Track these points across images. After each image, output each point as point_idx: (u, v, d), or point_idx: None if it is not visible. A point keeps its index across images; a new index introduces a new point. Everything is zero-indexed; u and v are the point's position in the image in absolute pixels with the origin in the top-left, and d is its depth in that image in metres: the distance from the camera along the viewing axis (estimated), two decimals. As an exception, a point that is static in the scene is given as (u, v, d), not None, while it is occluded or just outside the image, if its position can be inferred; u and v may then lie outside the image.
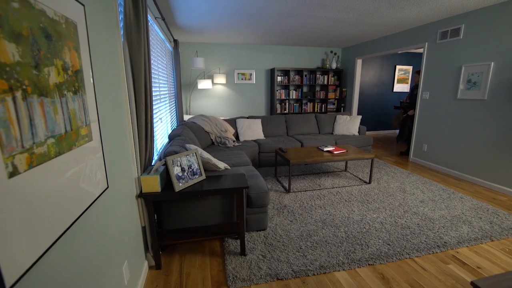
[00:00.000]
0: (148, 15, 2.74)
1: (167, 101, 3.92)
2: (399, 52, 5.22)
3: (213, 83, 6.42)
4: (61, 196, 0.91)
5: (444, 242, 2.39)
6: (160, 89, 3.28)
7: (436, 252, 2.28)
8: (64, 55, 0.94)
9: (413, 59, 7.78)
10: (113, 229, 1.43)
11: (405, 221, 2.76)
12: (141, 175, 1.96)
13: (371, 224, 2.70)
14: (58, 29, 0.90)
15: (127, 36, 1.73)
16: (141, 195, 1.95)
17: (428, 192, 3.51)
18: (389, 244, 2.37)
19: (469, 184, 3.84)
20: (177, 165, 2.05)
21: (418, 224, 2.71)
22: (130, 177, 1.82)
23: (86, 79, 1.12)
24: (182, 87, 6.29)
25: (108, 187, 1.32)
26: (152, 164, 2.37)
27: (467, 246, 2.36)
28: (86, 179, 1.09)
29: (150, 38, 2.85)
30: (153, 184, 1.95)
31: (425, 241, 2.42)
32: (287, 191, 3.55)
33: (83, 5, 1.10)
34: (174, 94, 4.88)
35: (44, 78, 0.81)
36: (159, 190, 1.97)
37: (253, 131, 4.91)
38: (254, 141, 4.78)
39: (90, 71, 1.16)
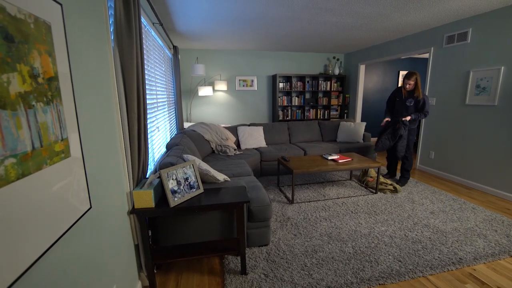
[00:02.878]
0: (145, 21, 2.63)
1: (166, 109, 3.80)
2: (403, 57, 5.09)
3: (214, 90, 6.32)
4: (30, 223, 0.77)
5: (459, 258, 2.22)
6: (158, 96, 3.16)
7: (451, 270, 2.11)
8: (32, 60, 0.81)
9: (417, 65, 7.66)
10: (99, 253, 1.30)
11: (416, 235, 2.60)
12: (133, 189, 1.82)
13: (380, 238, 2.54)
14: (23, 29, 0.77)
15: (117, 40, 1.61)
16: (133, 211, 1.81)
17: (438, 202, 3.35)
18: (400, 261, 2.21)
19: (480, 193, 3.67)
20: (173, 178, 1.91)
21: (429, 238, 2.54)
22: (121, 192, 1.68)
23: (63, 88, 0.99)
24: (183, 94, 6.19)
25: (91, 207, 1.18)
26: (147, 176, 2.24)
27: (484, 263, 2.20)
28: (61, 203, 0.95)
29: (147, 44, 2.74)
30: (146, 199, 1.81)
31: (438, 257, 2.25)
32: (291, 202, 3.39)
33: (60, 4, 0.98)
34: (173, 101, 4.77)
35: (2, 87, 0.69)
36: (153, 206, 1.83)
37: (254, 139, 4.78)
38: (256, 149, 4.64)
39: (69, 78, 1.04)
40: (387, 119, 3.80)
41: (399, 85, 7.50)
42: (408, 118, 3.68)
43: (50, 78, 0.91)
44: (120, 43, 1.63)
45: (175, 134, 3.70)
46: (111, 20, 1.70)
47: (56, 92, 0.94)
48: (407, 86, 3.70)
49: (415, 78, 3.63)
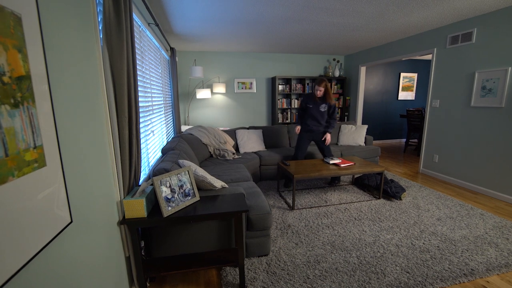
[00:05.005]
0: (139, 20, 2.53)
1: (162, 112, 3.69)
2: (404, 59, 4.99)
3: (212, 93, 6.21)
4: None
5: (471, 269, 2.10)
6: (153, 99, 3.05)
7: (463, 282, 1.99)
8: (-6, 56, 0.70)
9: (418, 66, 7.58)
10: (84, 267, 1.17)
11: (423, 243, 2.48)
12: (124, 198, 1.70)
13: (385, 247, 2.42)
14: (-18, 19, 0.66)
15: (106, 39, 1.50)
16: (124, 221, 1.69)
17: (444, 208, 3.23)
18: (408, 272, 2.09)
19: (488, 198, 3.55)
20: (166, 186, 1.79)
21: (438, 246, 2.42)
22: (110, 202, 1.56)
23: (38, 88, 0.88)
24: (180, 97, 6.08)
25: (71, 221, 1.07)
26: (140, 183, 2.12)
27: (497, 274, 2.07)
28: (33, 219, 0.83)
29: (141, 45, 2.63)
30: (137, 208, 1.69)
31: (448, 268, 2.13)
32: (291, 208, 3.27)
33: (33, -6, 0.87)
34: (170, 104, 4.66)
35: (-50, 86, 0.57)
36: (145, 215, 1.71)
37: (253, 142, 4.66)
38: (255, 153, 4.53)
39: (45, 77, 0.92)
40: (299, 127, 3.87)
41: (401, 86, 7.44)
42: (329, 138, 3.83)
43: (20, 77, 0.79)
44: (110, 41, 1.51)
45: (172, 138, 3.58)
46: (100, 17, 1.60)
47: (28, 93, 0.83)
48: (318, 92, 3.67)
49: (325, 85, 3.63)
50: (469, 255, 2.28)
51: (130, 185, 1.80)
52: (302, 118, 4.00)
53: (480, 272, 2.07)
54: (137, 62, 2.44)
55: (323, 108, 3.78)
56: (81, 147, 1.23)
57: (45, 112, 0.91)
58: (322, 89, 3.63)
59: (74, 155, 1.15)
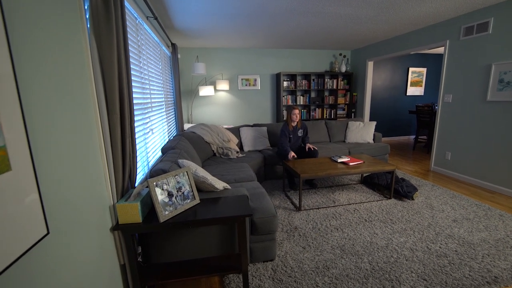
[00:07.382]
0: (135, 13, 2.39)
1: (163, 110, 3.56)
2: (413, 52, 4.78)
3: (215, 90, 6.08)
4: None
5: (495, 277, 1.94)
6: (152, 96, 2.92)
7: (487, 291, 1.83)
8: None
9: (427, 61, 7.34)
10: (69, 280, 1.05)
11: (440, 247, 2.31)
12: (117, 202, 1.57)
13: (399, 252, 2.26)
14: None
15: (94, 28, 1.37)
16: (117, 227, 1.56)
17: (460, 208, 3.05)
18: (425, 280, 1.93)
19: (505, 197, 3.36)
20: (163, 188, 1.66)
21: (456, 251, 2.26)
22: (102, 206, 1.44)
23: (-1, 79, 0.74)
24: (183, 95, 5.95)
25: (48, 232, 0.93)
26: (136, 186, 1.99)
27: (524, 282, 1.91)
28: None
29: (139, 39, 2.50)
30: (132, 213, 1.56)
31: (469, 275, 1.97)
32: (298, 209, 3.12)
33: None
34: (172, 102, 4.53)
35: None
36: (140, 220, 1.58)
37: (258, 140, 4.51)
38: (260, 151, 4.38)
39: (10, 68, 0.79)
40: (293, 154, 3.72)
41: (409, 81, 7.22)
42: (312, 147, 4.00)
43: (-28, 66, 0.66)
44: (98, 31, 1.38)
45: (173, 136, 3.46)
46: (87, 4, 1.46)
47: (-15, 85, 0.69)
48: (296, 116, 3.92)
49: (299, 110, 3.95)
50: (491, 261, 2.11)
51: (125, 187, 1.67)
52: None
53: (505, 280, 1.90)
54: (134, 56, 2.31)
55: (300, 133, 4.09)
56: (64, 148, 1.09)
57: (9, 108, 0.78)
58: (298, 110, 3.93)
59: (55, 158, 1.02)
